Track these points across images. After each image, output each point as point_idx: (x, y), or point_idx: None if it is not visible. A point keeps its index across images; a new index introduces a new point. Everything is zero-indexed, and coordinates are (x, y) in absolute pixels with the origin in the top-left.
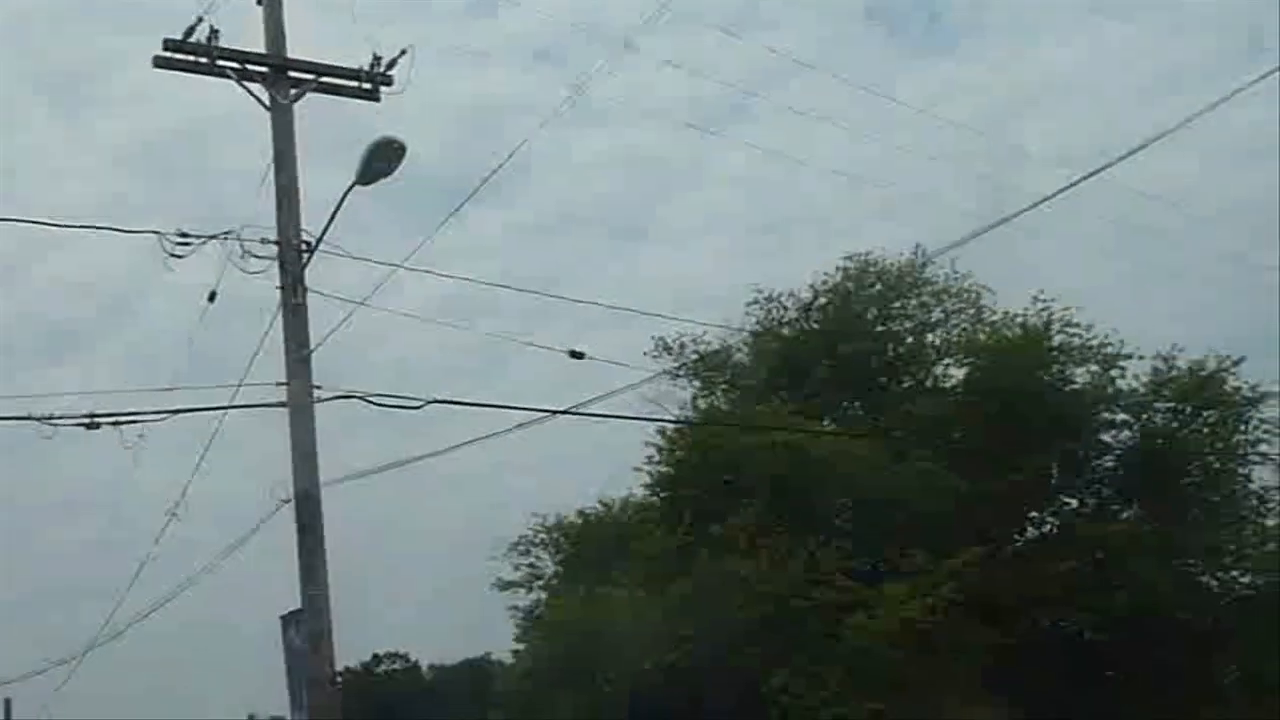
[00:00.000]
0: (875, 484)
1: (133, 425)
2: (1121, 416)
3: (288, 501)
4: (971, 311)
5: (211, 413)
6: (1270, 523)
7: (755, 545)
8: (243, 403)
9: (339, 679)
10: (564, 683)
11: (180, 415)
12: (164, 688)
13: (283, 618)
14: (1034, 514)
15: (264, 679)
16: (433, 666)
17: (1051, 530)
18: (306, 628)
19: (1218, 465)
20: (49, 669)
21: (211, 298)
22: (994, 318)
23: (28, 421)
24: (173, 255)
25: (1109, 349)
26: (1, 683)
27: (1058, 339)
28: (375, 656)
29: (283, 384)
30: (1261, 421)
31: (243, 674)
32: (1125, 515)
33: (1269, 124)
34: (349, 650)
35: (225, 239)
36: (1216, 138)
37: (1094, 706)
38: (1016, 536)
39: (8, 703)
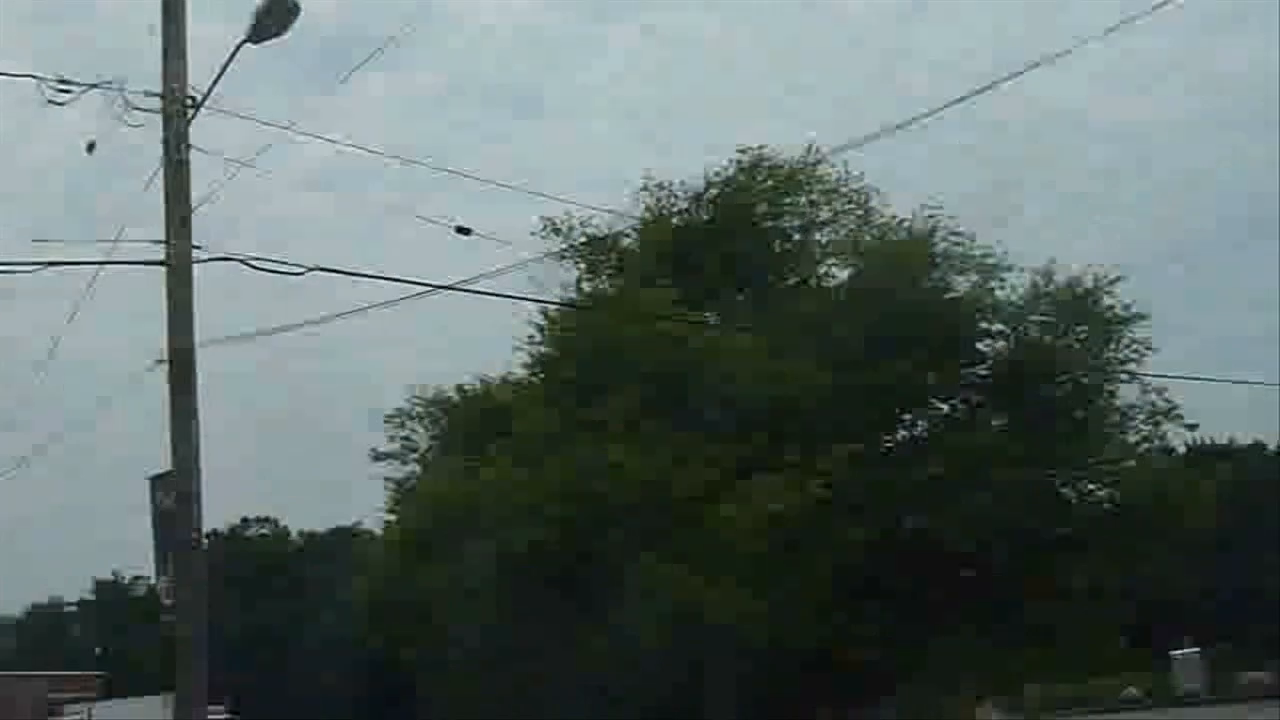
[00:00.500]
0: (753, 378)
1: (3, 274)
2: (997, 327)
3: (161, 362)
4: (859, 213)
5: (87, 268)
6: (1131, 440)
7: (631, 430)
8: (120, 259)
9: (206, 541)
10: (433, 555)
11: (54, 268)
12: (24, 545)
13: (151, 479)
14: (905, 417)
15: (131, 539)
16: (302, 533)
17: (921, 434)
18: (175, 489)
19: (1086, 381)
20: None
21: (90, 148)
22: (881, 220)
23: None
24: (51, 102)
25: (990, 260)
26: None
27: (941, 246)
28: (244, 520)
29: (162, 242)
30: (1133, 341)
31: (110, 534)
32: (993, 424)
33: (1159, 51)
34: (217, 513)
35: (107, 89)
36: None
37: (946, 605)
38: (887, 438)
39: None
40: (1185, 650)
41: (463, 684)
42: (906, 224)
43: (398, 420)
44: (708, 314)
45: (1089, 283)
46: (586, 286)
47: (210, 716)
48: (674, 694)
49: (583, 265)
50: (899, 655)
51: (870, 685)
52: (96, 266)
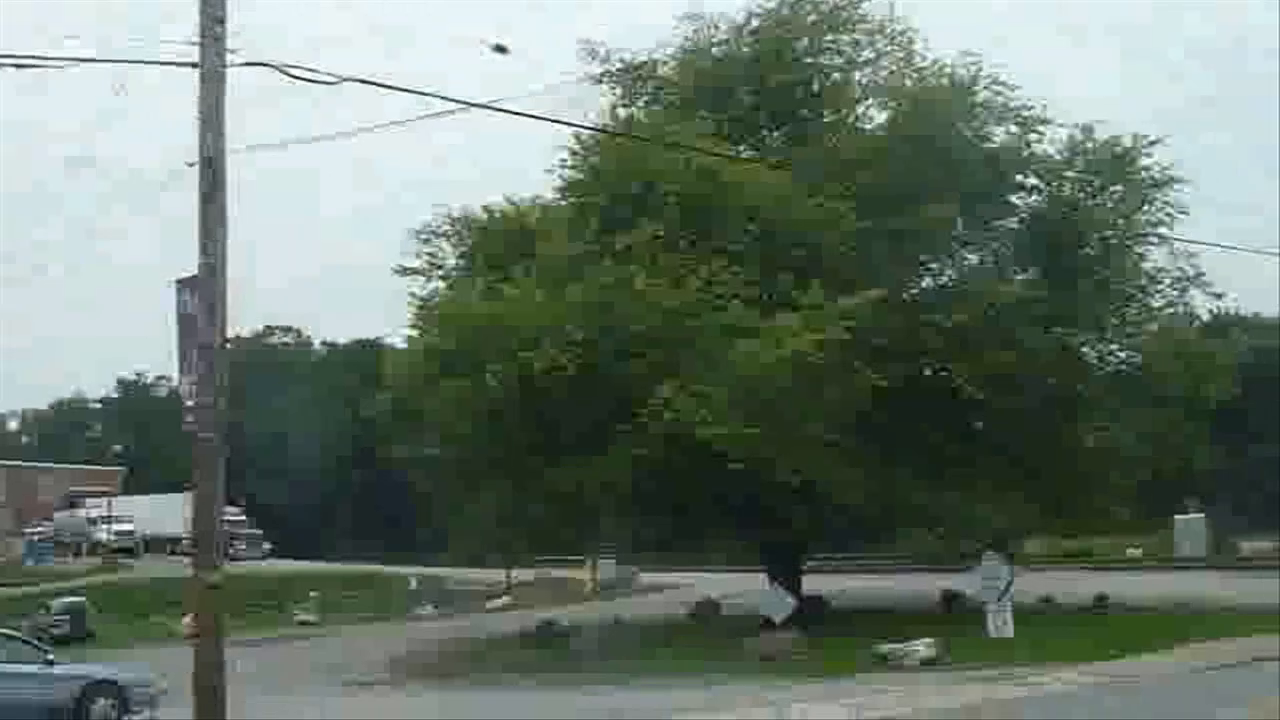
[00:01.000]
0: (782, 215)
1: (36, 69)
2: (1033, 181)
3: (192, 165)
4: (902, 55)
5: (119, 65)
6: (1156, 304)
7: (657, 260)
8: (154, 59)
9: (229, 345)
10: (452, 372)
11: (87, 64)
12: (51, 339)
13: (178, 282)
14: (933, 265)
15: (154, 340)
16: (325, 343)
17: (947, 283)
18: (200, 293)
19: (1116, 241)
20: None
21: None
22: (923, 64)
23: None
24: None
25: (1031, 112)
26: None
27: (983, 95)
28: (267, 328)
29: (195, 43)
30: (1166, 204)
31: (133, 333)
32: (1020, 277)
33: None
34: (242, 319)
35: None
36: None
37: (958, 456)
38: (912, 285)
39: None
40: (1189, 515)
41: (470, 495)
42: (948, 70)
43: (424, 237)
44: (741, 148)
45: (1127, 143)
46: (621, 113)
47: (226, 517)
48: (674, 522)
49: (618, 91)
50: (908, 501)
51: (875, 529)
52: (128, 66)
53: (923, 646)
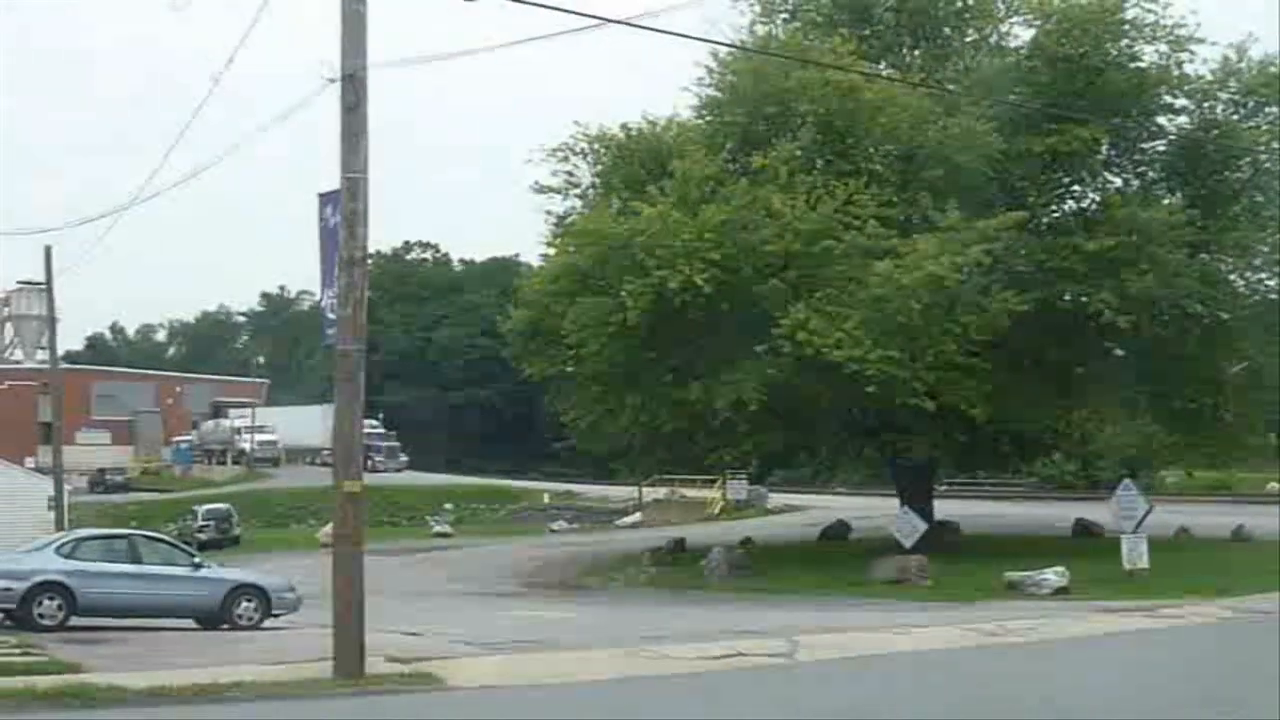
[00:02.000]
0: (921, 135)
1: None
2: (1182, 102)
3: (335, 81)
4: None
5: None
6: None
7: (794, 179)
8: None
9: (370, 260)
10: (587, 289)
11: None
12: (198, 253)
13: (321, 196)
14: (1076, 188)
15: (297, 255)
16: (462, 260)
17: (1090, 206)
18: (343, 208)
19: (1270, 165)
20: (88, 222)
21: None
22: None
23: None
24: None
25: (1182, 30)
26: (43, 230)
27: (1131, 13)
28: (406, 244)
29: None
30: None
31: (276, 248)
32: (1166, 203)
33: None
34: (382, 235)
35: None
36: None
37: (1095, 378)
38: (1054, 207)
39: (48, 250)
40: None
41: (604, 411)
42: None
43: (561, 155)
44: (881, 66)
45: None
46: (760, 30)
47: (365, 429)
48: (806, 443)
49: (757, 8)
50: (1041, 424)
51: (1008, 454)
52: None
53: (1054, 575)
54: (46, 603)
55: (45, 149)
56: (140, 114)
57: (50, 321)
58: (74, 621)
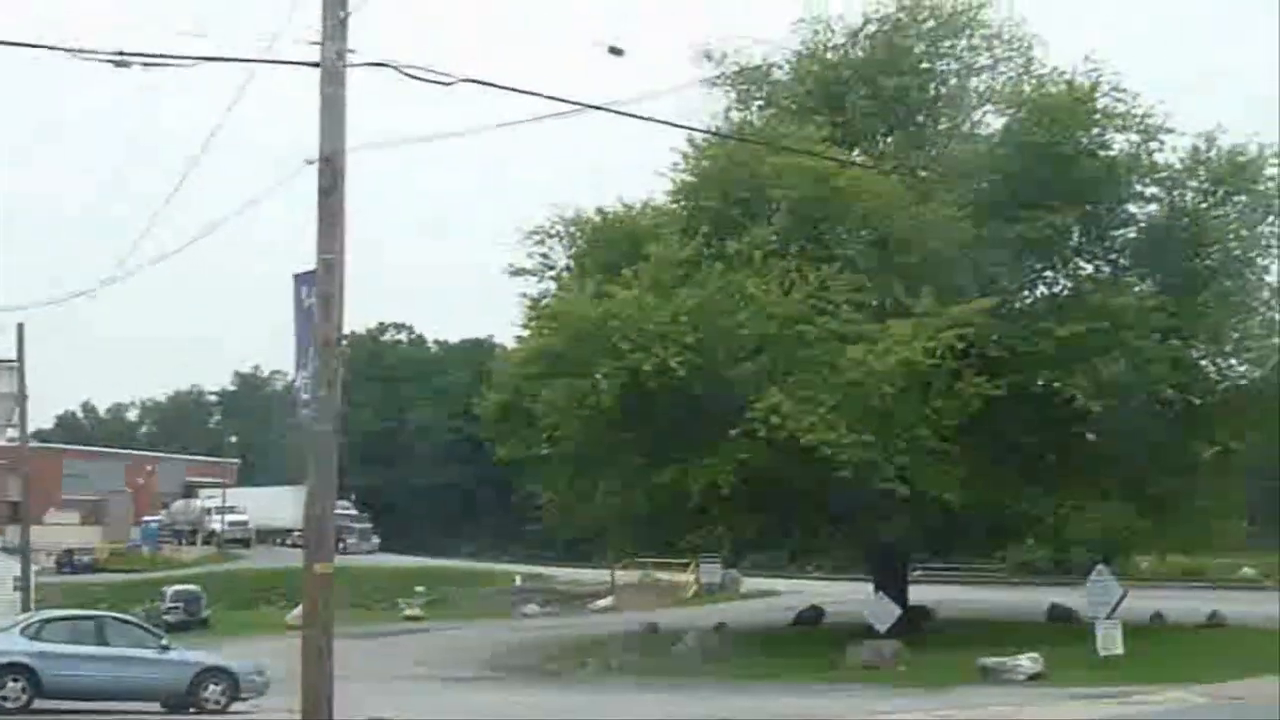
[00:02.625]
0: (895, 221)
1: (162, 68)
2: (1152, 190)
3: (312, 163)
4: (1021, 61)
5: (243, 64)
6: (1278, 318)
7: (768, 264)
8: (276, 59)
9: (344, 341)
10: (561, 371)
11: (209, 62)
12: (171, 330)
13: (296, 276)
14: (1048, 274)
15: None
16: (437, 341)
17: (1062, 291)
18: (318, 287)
19: (1238, 253)
20: (64, 300)
21: None
22: (1042, 71)
23: (56, 51)
24: None
25: (1152, 119)
26: (15, 308)
27: (1102, 102)
28: (381, 324)
29: (317, 43)
30: None
31: (250, 328)
32: (1137, 289)
33: None
34: (357, 316)
35: None
36: None
37: (1068, 464)
38: (1027, 293)
39: (20, 328)
40: None
41: (576, 495)
42: (1068, 76)
43: (537, 237)
44: (855, 153)
45: (1252, 152)
46: (735, 116)
47: (337, 511)
48: (779, 528)
49: (733, 95)
50: (1015, 509)
51: (982, 540)
52: (253, 65)
53: (1028, 660)
54: (10, 684)
55: (18, 222)
56: (117, 189)
57: (20, 399)
58: (38, 704)
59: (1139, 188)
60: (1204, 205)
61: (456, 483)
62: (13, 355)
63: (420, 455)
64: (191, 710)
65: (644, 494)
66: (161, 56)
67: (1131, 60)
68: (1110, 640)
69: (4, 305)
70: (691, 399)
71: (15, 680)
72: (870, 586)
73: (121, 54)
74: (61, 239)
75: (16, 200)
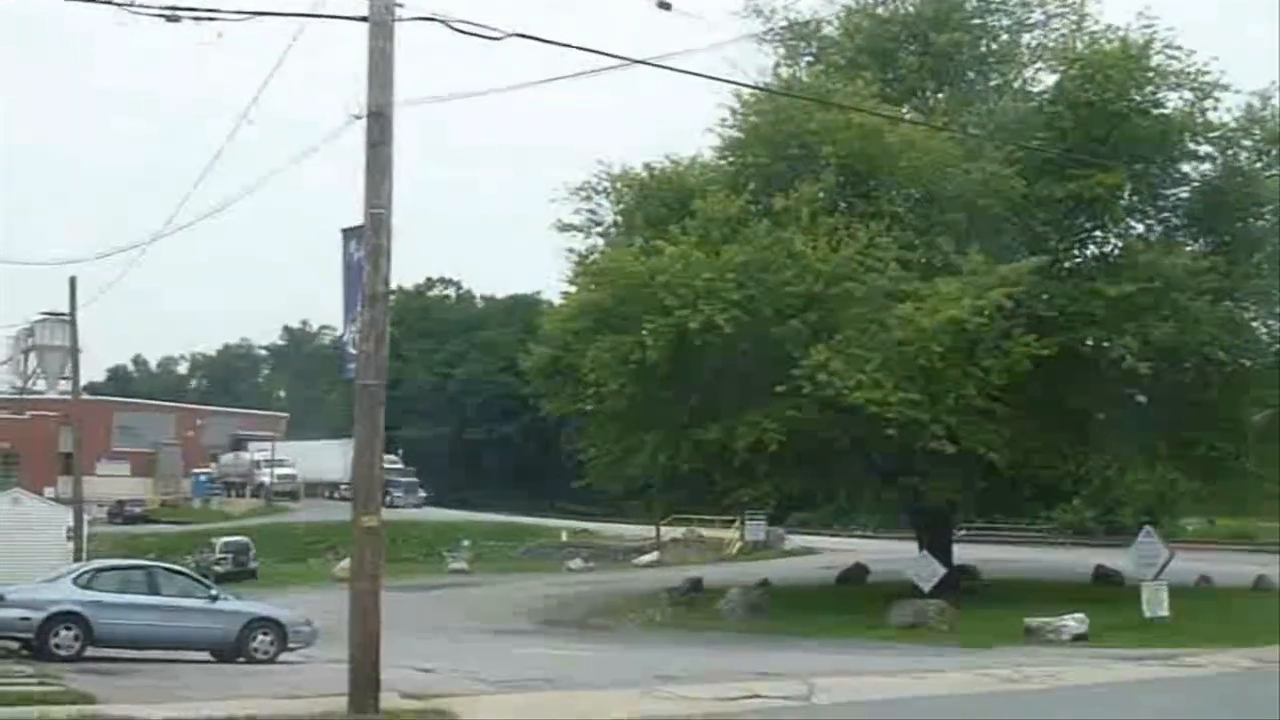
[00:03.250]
0: (944, 179)
1: (212, 22)
2: (1205, 149)
3: (360, 117)
4: (1074, 18)
5: (290, 18)
6: None
7: (815, 221)
8: (325, 12)
9: (392, 296)
10: (608, 327)
11: (261, 18)
12: (221, 286)
13: (345, 231)
14: (1098, 233)
15: (319, 289)
16: (483, 297)
17: (1113, 251)
18: (366, 242)
19: None
20: (114, 254)
21: None
22: (1095, 28)
23: (107, 5)
24: None
25: (1207, 77)
26: (68, 262)
27: (1156, 59)
28: (428, 280)
29: None
30: None
31: (299, 282)
32: (1189, 249)
33: None
34: (405, 271)
35: None
36: None
37: (1119, 426)
38: (1076, 252)
39: (73, 282)
40: None
41: (622, 450)
42: (1121, 33)
43: (584, 193)
44: (904, 109)
45: None
46: (784, 72)
47: (385, 465)
48: (824, 485)
49: (781, 50)
50: (1061, 469)
51: (1028, 499)
52: (301, 19)
53: (1073, 621)
54: (63, 633)
55: (72, 180)
56: (168, 147)
57: (73, 352)
58: (90, 652)
59: (1192, 146)
60: (1258, 165)
61: (502, 438)
62: (65, 309)
63: (467, 410)
64: (240, 660)
65: (689, 450)
66: (212, 11)
67: (1187, 15)
68: (1156, 602)
69: (57, 259)
70: (738, 356)
71: (68, 629)
72: (915, 545)
73: (173, 9)
74: (115, 194)
75: (70, 157)
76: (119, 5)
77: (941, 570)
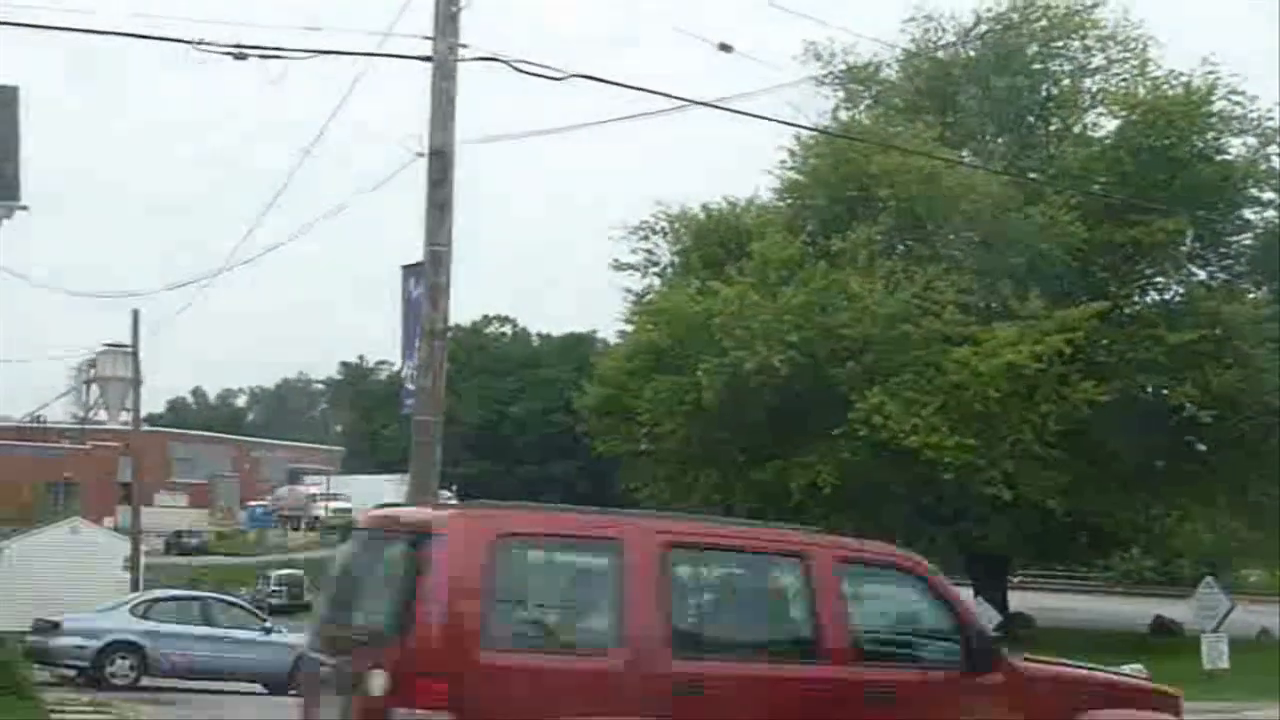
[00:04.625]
0: (1003, 223)
1: (278, 60)
2: (1269, 195)
3: (422, 156)
4: (1135, 63)
5: (355, 58)
6: None
7: (873, 263)
8: (389, 52)
9: (449, 333)
10: (664, 367)
11: (325, 55)
12: (281, 320)
13: (405, 268)
14: (1159, 279)
15: (377, 325)
16: (539, 335)
17: (1174, 298)
18: (426, 280)
19: None
20: (178, 287)
21: None
22: (1157, 73)
23: (178, 44)
24: None
25: (1270, 123)
26: (131, 294)
27: (1219, 105)
28: (485, 317)
29: (429, 38)
30: None
31: (358, 318)
32: (1252, 296)
33: None
34: (462, 308)
35: None
36: None
37: (1179, 474)
38: (1137, 299)
39: (136, 314)
40: None
41: (676, 490)
42: (1184, 78)
43: (642, 233)
44: (963, 153)
45: None
46: (844, 115)
47: (440, 499)
48: (878, 529)
49: (841, 93)
50: (1119, 517)
51: (1085, 547)
52: (366, 58)
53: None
54: (119, 662)
55: (136, 212)
56: (232, 180)
57: (135, 384)
58: (145, 681)
59: (1254, 193)
60: None
61: (556, 476)
62: (127, 340)
63: (521, 448)
64: (293, 692)
65: (743, 490)
66: (278, 49)
67: (1253, 63)
68: (1216, 654)
69: (120, 291)
70: (794, 397)
71: (124, 658)
72: (970, 591)
73: (239, 46)
74: (178, 228)
75: (134, 190)
76: (189, 44)
77: (997, 617)
